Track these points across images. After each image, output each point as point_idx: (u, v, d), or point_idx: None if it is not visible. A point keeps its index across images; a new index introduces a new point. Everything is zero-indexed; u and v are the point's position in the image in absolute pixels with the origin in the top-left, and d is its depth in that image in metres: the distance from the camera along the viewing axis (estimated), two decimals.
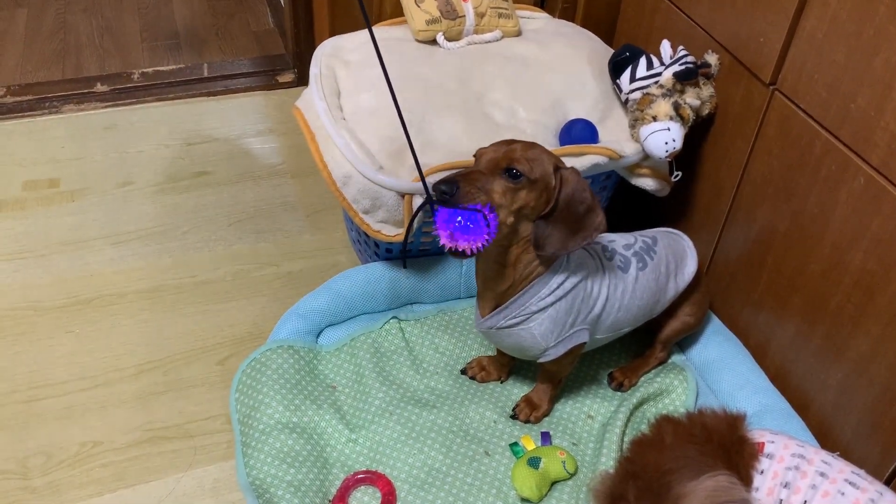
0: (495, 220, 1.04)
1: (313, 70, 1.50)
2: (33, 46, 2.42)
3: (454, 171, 1.08)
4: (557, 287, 1.18)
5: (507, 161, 1.07)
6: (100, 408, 1.40)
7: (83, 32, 2.52)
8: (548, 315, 1.19)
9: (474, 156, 1.13)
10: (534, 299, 1.17)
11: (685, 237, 1.39)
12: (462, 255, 1.04)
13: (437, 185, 1.03)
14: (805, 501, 1.04)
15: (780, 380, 1.39)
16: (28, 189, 1.86)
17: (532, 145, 1.11)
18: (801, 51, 1.23)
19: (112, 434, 1.35)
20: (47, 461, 1.31)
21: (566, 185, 1.10)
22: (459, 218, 1.02)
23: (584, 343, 1.24)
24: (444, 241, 1.03)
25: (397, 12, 1.63)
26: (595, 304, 1.23)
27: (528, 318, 1.19)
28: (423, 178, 1.12)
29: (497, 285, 1.18)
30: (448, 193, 1.02)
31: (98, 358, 1.48)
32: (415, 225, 1.31)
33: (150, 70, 2.30)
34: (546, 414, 1.35)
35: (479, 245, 1.02)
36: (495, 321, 1.21)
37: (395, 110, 1.42)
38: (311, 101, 1.45)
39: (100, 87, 2.21)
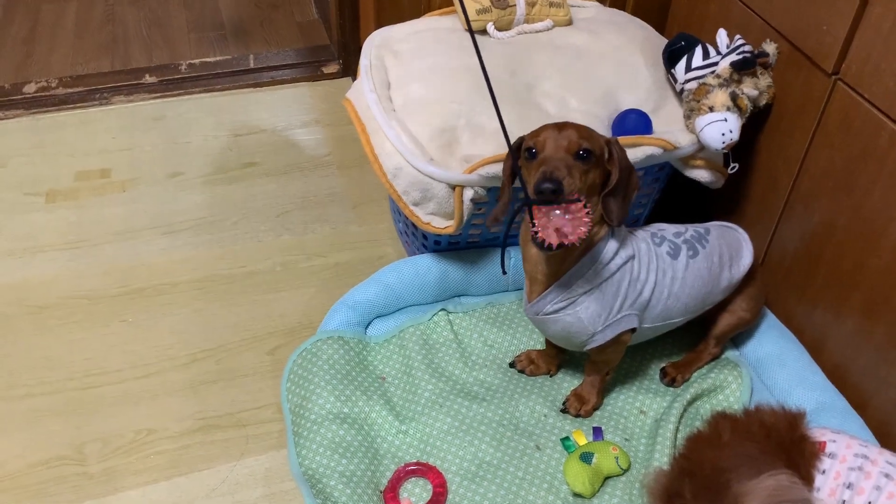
0: (589, 209, 1.05)
1: (363, 61, 1.50)
2: (83, 38, 2.46)
3: (541, 167, 1.07)
4: (603, 268, 1.17)
5: (578, 144, 1.08)
6: (153, 396, 1.42)
7: (131, 24, 2.55)
8: (594, 298, 1.18)
9: (525, 146, 1.12)
10: (580, 280, 1.17)
11: (740, 230, 1.36)
12: (560, 247, 1.03)
13: (540, 185, 1.02)
14: (869, 503, 1.01)
15: (838, 377, 1.36)
16: (80, 179, 1.89)
17: (580, 125, 1.12)
18: (866, 40, 1.20)
19: (166, 422, 1.37)
20: (103, 447, 1.33)
21: (621, 153, 1.13)
22: (558, 211, 1.02)
23: (633, 330, 1.23)
24: (550, 239, 1.03)
25: (446, 2, 1.62)
26: (643, 289, 1.21)
27: (574, 300, 1.18)
28: (523, 181, 1.10)
29: (549, 267, 1.17)
30: (557, 191, 1.02)
31: (151, 347, 1.50)
32: (508, 219, 1.28)
33: (197, 61, 2.32)
34: (596, 407, 1.34)
35: (585, 232, 1.03)
36: (542, 305, 1.20)
37: (447, 101, 1.42)
38: (362, 93, 1.45)
39: (148, 79, 2.24)
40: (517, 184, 1.14)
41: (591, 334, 1.20)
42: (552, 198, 1.03)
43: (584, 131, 1.11)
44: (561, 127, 1.11)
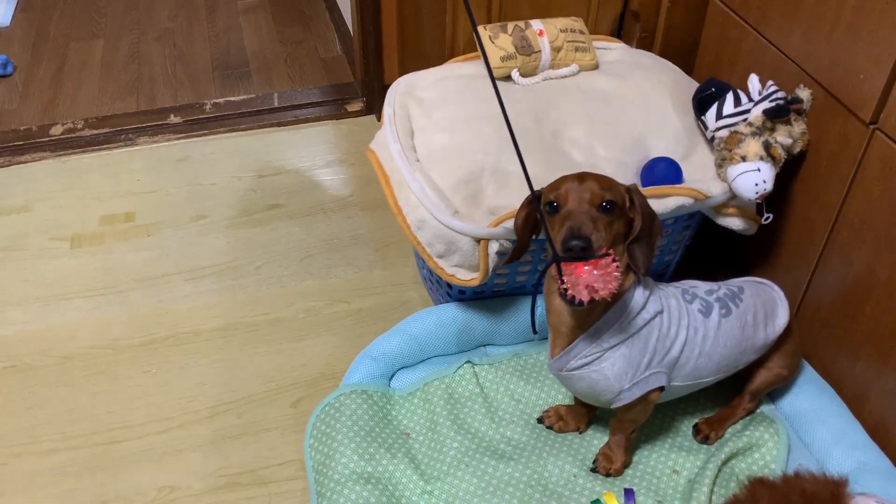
0: (618, 263, 1.02)
1: (387, 110, 1.48)
2: (109, 77, 2.48)
3: (567, 222, 1.04)
4: (631, 321, 1.14)
5: (601, 196, 1.06)
6: (176, 451, 1.40)
7: (156, 62, 2.57)
8: (620, 354, 1.14)
9: (546, 200, 1.09)
10: (607, 333, 1.13)
11: (776, 287, 1.32)
12: (591, 302, 1.01)
13: (568, 242, 1.00)
14: None
15: (881, 435, 1.31)
16: (105, 223, 1.89)
17: (599, 174, 1.10)
18: None
19: (188, 479, 1.36)
20: None
21: (641, 199, 1.11)
22: (587, 267, 1.00)
23: (661, 389, 1.19)
24: (581, 296, 1.01)
25: (470, 47, 1.60)
26: (672, 346, 1.17)
27: (599, 356, 1.14)
28: (548, 235, 1.07)
29: (573, 321, 1.14)
30: (586, 248, 1.00)
31: (174, 399, 1.49)
32: (536, 280, 1.25)
33: (221, 101, 2.33)
34: (626, 465, 1.30)
35: (616, 287, 1.01)
36: (566, 360, 1.17)
37: (472, 151, 1.40)
38: (385, 143, 1.43)
39: (173, 119, 2.25)
40: (541, 235, 1.11)
41: (617, 392, 1.17)
42: (581, 254, 1.00)
43: (604, 182, 1.09)
44: (581, 178, 1.08)
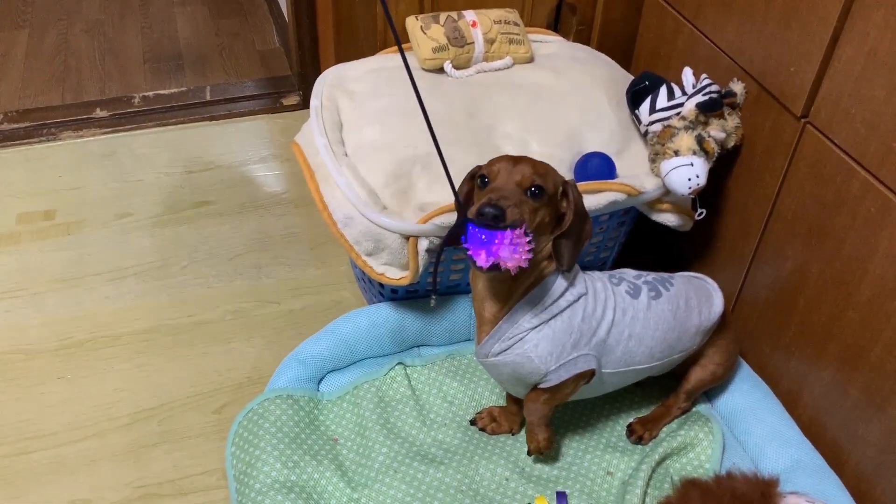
0: (531, 238, 1.01)
1: (314, 102, 1.42)
2: (33, 70, 2.37)
3: (488, 193, 1.03)
4: (552, 304, 1.11)
5: (530, 181, 1.04)
6: (90, 462, 1.33)
7: (84, 54, 2.46)
8: (543, 335, 1.12)
9: (478, 174, 1.08)
10: (527, 315, 1.11)
11: (709, 279, 1.30)
12: (495, 268, 0.99)
13: (483, 208, 0.98)
14: None
15: (814, 432, 1.30)
16: (22, 222, 1.80)
17: (536, 161, 1.09)
18: (836, 83, 1.14)
19: (103, 491, 1.28)
20: None
21: (577, 196, 1.09)
22: (497, 238, 0.98)
23: (591, 373, 1.15)
24: (481, 261, 0.99)
25: (403, 38, 1.55)
26: (599, 327, 1.15)
27: (522, 338, 1.12)
28: (457, 198, 1.07)
29: (495, 305, 1.13)
30: (499, 217, 0.98)
31: (91, 406, 1.41)
32: (441, 259, 1.23)
33: (150, 94, 2.24)
34: (549, 441, 1.24)
35: (524, 259, 0.98)
36: (490, 345, 1.14)
37: (402, 145, 1.35)
38: (311, 136, 1.37)
39: (99, 113, 2.15)
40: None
41: (543, 374, 1.13)
42: (492, 223, 0.98)
43: (540, 167, 1.07)
44: (517, 160, 1.07)
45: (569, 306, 1.13)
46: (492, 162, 1.09)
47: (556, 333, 1.12)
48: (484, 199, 1.01)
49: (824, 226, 1.21)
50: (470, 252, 1.00)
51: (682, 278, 1.27)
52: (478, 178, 1.09)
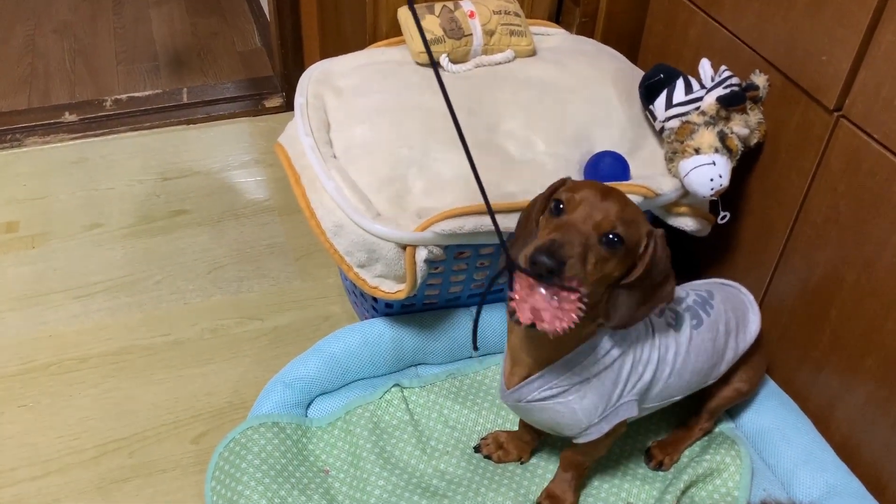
0: (584, 296, 0.84)
1: (299, 100, 1.30)
2: None
3: (553, 233, 0.87)
4: (605, 354, 0.99)
5: (611, 226, 0.87)
6: (54, 501, 1.19)
7: (53, 56, 2.32)
8: (592, 386, 0.99)
9: (555, 197, 0.90)
10: (577, 367, 0.98)
11: (744, 290, 1.19)
12: (533, 326, 0.85)
13: (538, 256, 0.82)
14: None
15: (850, 454, 1.19)
16: None
17: (628, 201, 0.92)
18: (875, 72, 1.04)
19: None
20: None
21: (657, 250, 0.92)
22: (544, 291, 0.83)
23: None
24: (525, 318, 0.84)
25: (394, 31, 1.43)
26: (644, 371, 1.03)
27: (567, 389, 0.99)
28: (503, 245, 0.88)
29: (538, 351, 0.98)
30: (553, 272, 0.82)
31: (53, 438, 1.28)
32: (488, 284, 1.05)
33: (123, 97, 2.10)
34: None
35: (567, 327, 0.83)
36: (527, 392, 1.00)
37: (396, 145, 1.23)
38: (296, 136, 1.26)
39: (68, 117, 2.02)
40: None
41: (584, 427, 1.01)
42: (545, 275, 0.82)
43: (629, 212, 0.89)
44: (606, 194, 0.89)
45: (621, 355, 1.00)
46: (577, 186, 0.91)
47: (605, 385, 1.00)
48: (546, 241, 0.85)
49: (861, 229, 1.11)
50: (512, 304, 0.85)
51: (720, 293, 1.15)
52: (552, 202, 0.91)
